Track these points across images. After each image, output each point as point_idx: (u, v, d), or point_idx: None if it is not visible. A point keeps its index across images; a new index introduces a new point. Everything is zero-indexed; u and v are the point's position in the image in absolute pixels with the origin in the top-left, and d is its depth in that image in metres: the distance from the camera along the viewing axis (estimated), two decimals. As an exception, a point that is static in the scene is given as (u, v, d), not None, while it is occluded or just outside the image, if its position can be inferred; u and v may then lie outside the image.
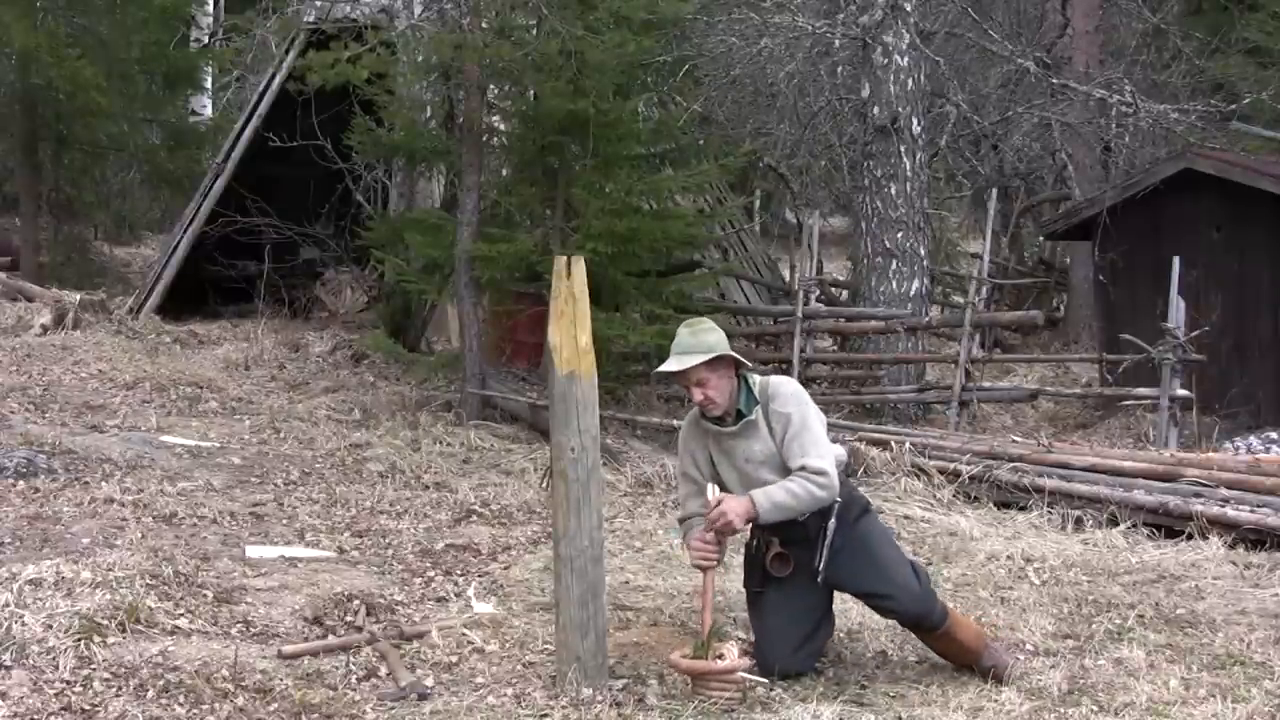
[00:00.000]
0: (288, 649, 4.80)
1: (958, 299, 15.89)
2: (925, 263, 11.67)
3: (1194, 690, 4.62)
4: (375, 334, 12.15)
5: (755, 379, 4.73)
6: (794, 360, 11.01)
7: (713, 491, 4.62)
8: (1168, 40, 16.44)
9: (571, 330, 4.48)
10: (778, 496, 4.51)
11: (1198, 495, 7.20)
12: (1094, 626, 5.38)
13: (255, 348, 12.35)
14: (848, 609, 5.10)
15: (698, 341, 4.62)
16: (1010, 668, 4.71)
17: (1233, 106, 13.63)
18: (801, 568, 4.68)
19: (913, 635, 4.88)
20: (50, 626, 4.58)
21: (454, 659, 4.84)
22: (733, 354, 4.66)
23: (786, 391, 4.67)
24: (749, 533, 4.88)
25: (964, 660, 4.75)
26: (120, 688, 4.28)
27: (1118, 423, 10.66)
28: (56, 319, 12.48)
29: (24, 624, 4.57)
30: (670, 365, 4.63)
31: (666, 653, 4.83)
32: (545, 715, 4.31)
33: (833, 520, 4.62)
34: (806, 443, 4.57)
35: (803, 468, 4.53)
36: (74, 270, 16.14)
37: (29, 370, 10.66)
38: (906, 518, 7.27)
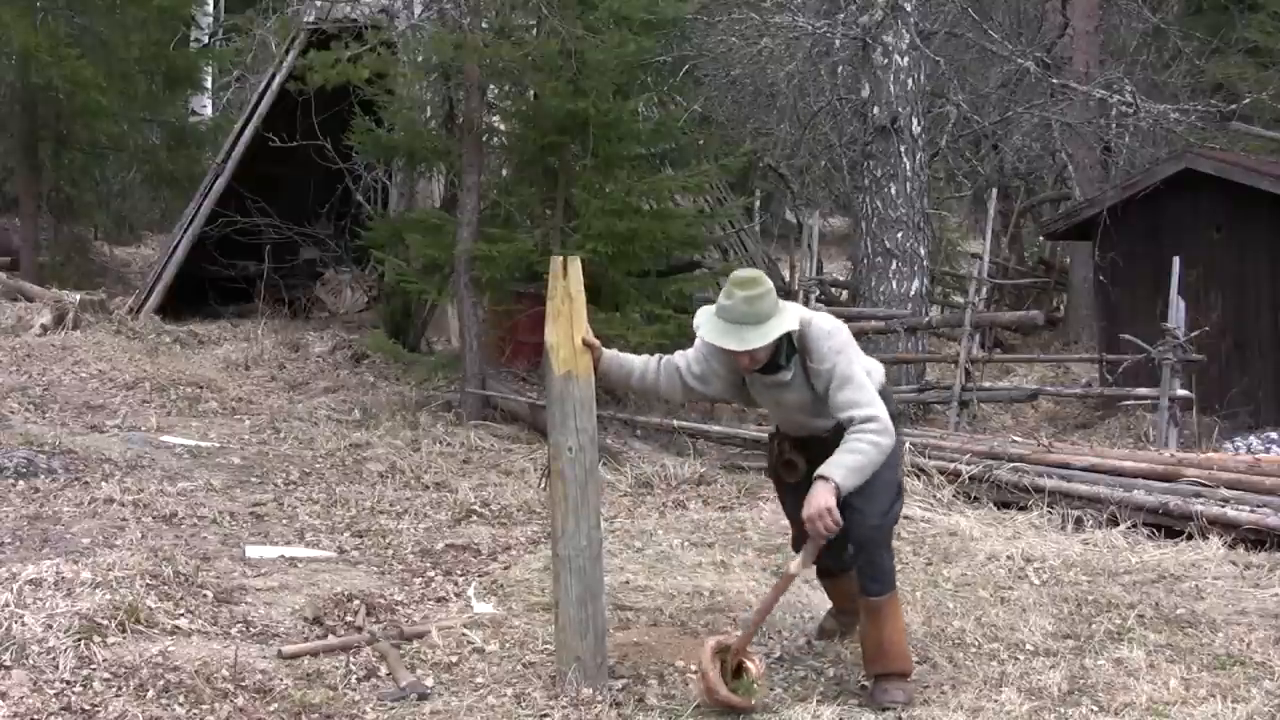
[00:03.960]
0: (288, 649, 4.80)
1: (958, 299, 15.90)
2: (925, 263, 11.67)
3: (1194, 690, 4.62)
4: (375, 334, 12.16)
5: (797, 319, 4.41)
6: (794, 360, 10.98)
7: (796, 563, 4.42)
8: (1168, 40, 16.45)
9: (569, 330, 4.47)
10: (851, 463, 4.25)
11: (1198, 495, 7.20)
12: (1094, 626, 5.38)
13: (255, 348, 12.36)
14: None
15: (755, 311, 4.30)
16: (896, 704, 4.45)
17: (1233, 106, 13.63)
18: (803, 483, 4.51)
19: (910, 636, 4.85)
20: (50, 626, 4.58)
21: (454, 659, 4.84)
22: (792, 327, 4.36)
23: (823, 347, 4.38)
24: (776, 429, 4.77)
25: (875, 655, 4.53)
26: (120, 688, 4.28)
27: (1118, 423, 10.66)
28: (56, 319, 12.49)
29: (24, 624, 4.56)
30: (729, 343, 4.33)
31: (667, 653, 4.83)
32: (545, 715, 4.31)
33: None
34: (851, 393, 4.34)
35: (852, 420, 4.31)
36: (74, 270, 16.16)
37: (29, 370, 10.66)
38: (907, 518, 7.25)
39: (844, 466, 4.26)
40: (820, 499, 4.24)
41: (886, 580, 4.54)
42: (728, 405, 10.85)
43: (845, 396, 4.35)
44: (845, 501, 4.41)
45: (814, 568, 4.69)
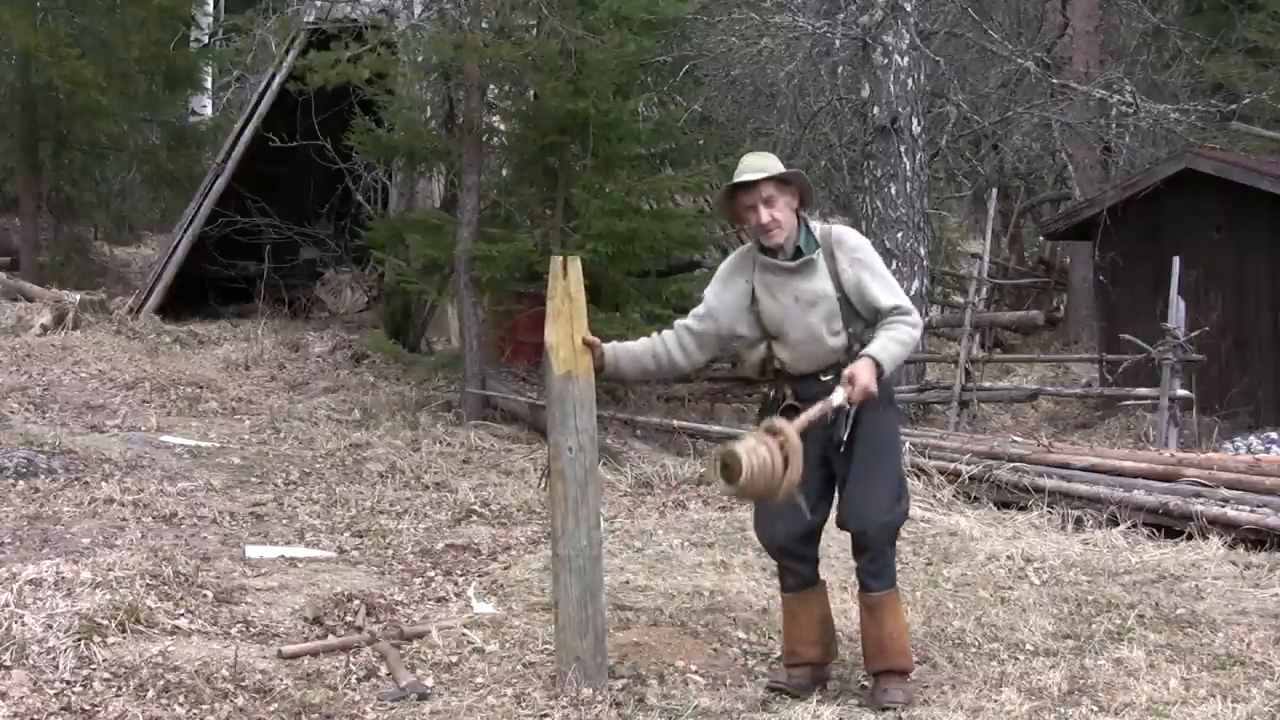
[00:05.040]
0: (288, 649, 4.80)
1: (958, 299, 15.88)
2: (925, 263, 11.66)
3: (1194, 690, 4.61)
4: (375, 334, 12.16)
5: (815, 224, 4.64)
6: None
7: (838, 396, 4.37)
8: (1168, 40, 16.44)
9: (568, 330, 4.47)
10: (894, 350, 4.41)
11: (1198, 495, 7.20)
12: (1094, 626, 5.38)
13: (255, 348, 12.36)
14: (849, 608, 5.10)
15: (765, 163, 4.58)
16: (896, 704, 4.44)
17: (1233, 106, 13.63)
18: (812, 434, 4.42)
19: (910, 636, 4.85)
20: (50, 626, 4.57)
21: (454, 659, 4.84)
22: (804, 177, 4.63)
23: (855, 241, 4.60)
24: (771, 382, 4.68)
25: (875, 651, 4.53)
26: (120, 688, 4.28)
27: (1118, 423, 10.67)
28: (56, 319, 12.49)
29: (24, 624, 4.56)
30: (744, 176, 4.53)
31: (667, 653, 4.83)
32: (545, 715, 4.31)
33: None
34: (888, 285, 4.52)
35: (895, 308, 4.46)
36: (74, 270, 16.16)
37: (29, 370, 10.66)
38: (907, 518, 7.26)
39: (886, 351, 4.40)
40: (866, 375, 4.33)
41: (887, 576, 4.56)
42: (727, 405, 10.87)
43: (880, 288, 4.50)
44: (848, 501, 4.45)
45: (791, 592, 4.61)
